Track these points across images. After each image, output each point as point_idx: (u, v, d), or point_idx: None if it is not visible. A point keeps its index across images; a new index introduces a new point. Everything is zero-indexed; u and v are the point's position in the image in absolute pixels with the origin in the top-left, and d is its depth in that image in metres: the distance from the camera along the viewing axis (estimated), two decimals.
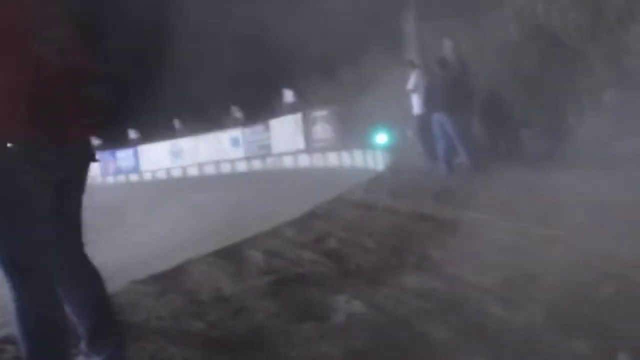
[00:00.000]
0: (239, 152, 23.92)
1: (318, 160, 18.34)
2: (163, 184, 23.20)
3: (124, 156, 29.80)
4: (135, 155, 29.28)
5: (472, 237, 5.10)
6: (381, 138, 14.52)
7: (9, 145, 2.27)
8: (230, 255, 4.79)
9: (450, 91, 8.88)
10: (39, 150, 2.32)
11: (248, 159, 23.01)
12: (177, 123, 27.49)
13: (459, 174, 8.97)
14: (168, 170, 26.55)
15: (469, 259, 4.44)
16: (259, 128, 23.12)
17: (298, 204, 9.05)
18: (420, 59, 11.75)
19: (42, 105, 2.32)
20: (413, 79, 10.79)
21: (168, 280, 4.20)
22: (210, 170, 24.26)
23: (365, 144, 15.38)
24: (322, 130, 19.30)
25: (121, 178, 28.57)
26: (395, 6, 13.39)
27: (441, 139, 9.21)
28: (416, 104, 10.65)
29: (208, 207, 13.08)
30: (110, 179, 28.69)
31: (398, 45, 14.28)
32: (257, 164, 22.10)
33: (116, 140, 29.68)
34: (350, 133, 17.60)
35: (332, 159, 17.46)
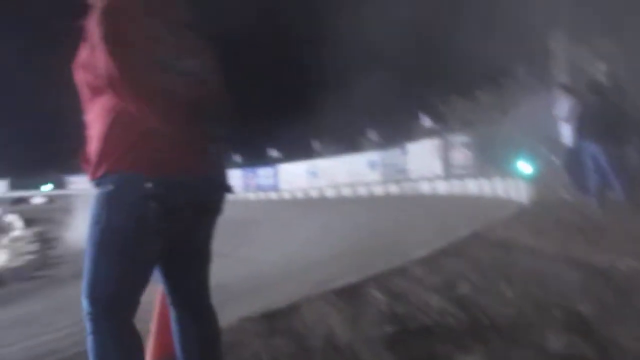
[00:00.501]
0: (376, 175, 23.80)
1: (456, 188, 17.64)
2: (299, 204, 23.60)
3: (264, 174, 30.93)
4: (275, 173, 30.23)
5: (631, 291, 4.42)
6: (525, 166, 13.62)
7: (146, 184, 2.19)
8: (351, 295, 4.48)
9: (606, 120, 7.97)
10: (175, 186, 2.24)
11: (385, 182, 22.80)
12: (315, 144, 28.04)
13: (613, 212, 7.96)
14: (305, 190, 27.02)
15: (626, 318, 3.80)
16: (395, 152, 22.85)
17: (431, 235, 8.65)
18: (571, 84, 10.65)
19: (178, 139, 2.25)
20: (564, 105, 9.71)
21: (280, 319, 3.98)
22: (346, 192, 24.33)
23: (507, 172, 14.53)
24: (461, 155, 18.57)
25: (261, 195, 29.54)
26: (544, 24, 12.46)
27: (594, 171, 8.30)
28: (567, 132, 9.64)
29: (339, 229, 13.03)
30: (250, 195, 29.82)
31: (545, 66, 13.25)
32: (393, 188, 21.81)
33: (258, 158, 30.92)
34: (492, 160, 16.75)
35: (471, 187, 16.70)
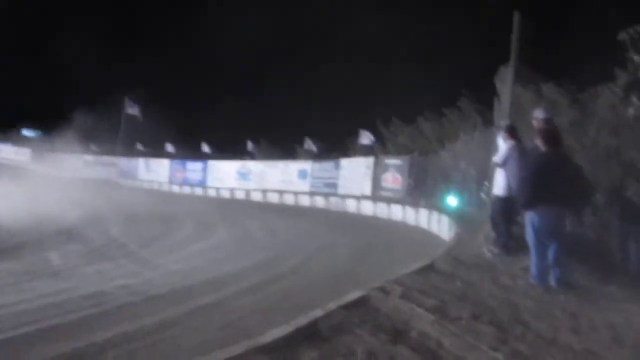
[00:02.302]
0: (305, 186, 23.31)
1: (382, 210, 17.29)
2: (224, 202, 22.84)
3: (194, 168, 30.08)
4: (205, 169, 29.37)
5: None
6: (451, 200, 13.36)
7: None
8: None
9: (541, 179, 6.55)
10: None
11: (312, 194, 22.33)
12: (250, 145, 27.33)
13: (551, 292, 5.83)
14: (232, 190, 26.29)
15: None
16: (329, 165, 22.40)
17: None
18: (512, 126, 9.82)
19: None
20: (503, 151, 7.89)
21: None
22: (273, 198, 23.74)
23: (433, 204, 14.26)
24: (392, 179, 18.26)
25: (187, 189, 28.57)
26: (494, 63, 12.19)
27: (530, 235, 6.22)
28: (500, 181, 8.42)
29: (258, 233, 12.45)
30: (175, 188, 28.76)
31: (490, 105, 12.87)
32: (320, 201, 21.34)
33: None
34: (421, 188, 16.52)
35: (396, 212, 16.37)
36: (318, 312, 4.28)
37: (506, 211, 7.74)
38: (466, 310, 4.70)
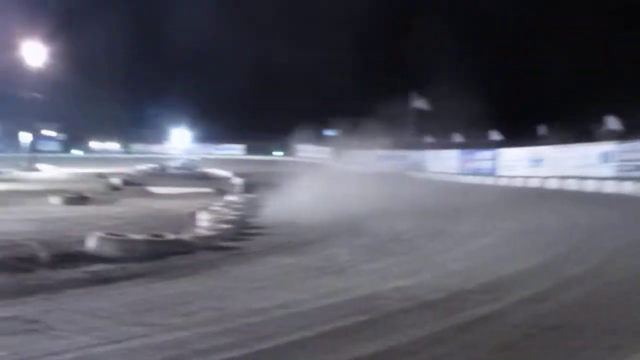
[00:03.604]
0: (609, 170, 20.82)
1: None
2: (517, 192, 21.60)
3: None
4: (495, 157, 28.34)
5: None
6: None
7: None
8: None
9: None
10: None
11: (618, 179, 19.81)
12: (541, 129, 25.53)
13: None
14: (525, 178, 24.80)
15: None
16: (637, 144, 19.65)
17: None
18: None
19: None
20: None
21: None
22: (571, 185, 21.69)
23: None
24: None
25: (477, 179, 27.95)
26: None
27: None
28: None
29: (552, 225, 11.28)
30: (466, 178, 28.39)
31: None
32: (629, 187, 18.81)
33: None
34: None
35: None
36: None
37: None
38: None
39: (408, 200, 17.24)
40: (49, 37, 36.87)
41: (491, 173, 27.84)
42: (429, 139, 37.06)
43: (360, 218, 12.94)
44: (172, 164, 33.03)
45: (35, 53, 35.85)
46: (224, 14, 49.94)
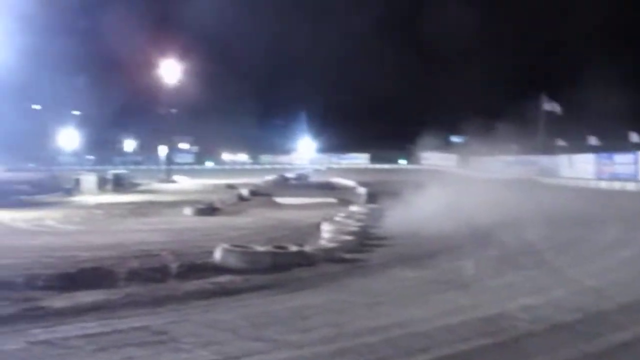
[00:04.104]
0: None
1: None
2: None
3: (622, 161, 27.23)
4: (636, 161, 26.23)
5: None
6: None
7: None
8: None
9: None
10: None
11: None
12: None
13: None
14: None
15: None
16: None
17: None
18: None
19: None
20: None
21: None
22: None
23: None
24: None
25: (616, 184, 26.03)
26: None
27: None
28: None
29: None
30: (603, 184, 26.55)
31: None
32: None
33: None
34: None
35: None
36: None
37: None
38: None
39: (539, 208, 16.35)
40: (183, 55, 39.34)
41: (632, 178, 25.77)
42: (561, 143, 35.12)
43: (488, 228, 12.42)
44: (288, 175, 34.14)
45: (171, 71, 38.39)
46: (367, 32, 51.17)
